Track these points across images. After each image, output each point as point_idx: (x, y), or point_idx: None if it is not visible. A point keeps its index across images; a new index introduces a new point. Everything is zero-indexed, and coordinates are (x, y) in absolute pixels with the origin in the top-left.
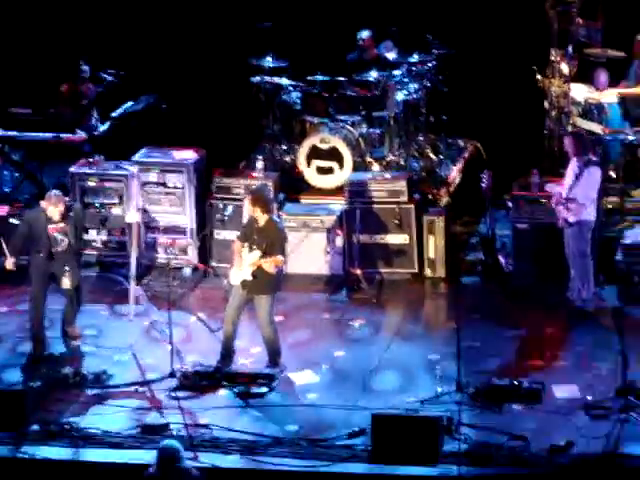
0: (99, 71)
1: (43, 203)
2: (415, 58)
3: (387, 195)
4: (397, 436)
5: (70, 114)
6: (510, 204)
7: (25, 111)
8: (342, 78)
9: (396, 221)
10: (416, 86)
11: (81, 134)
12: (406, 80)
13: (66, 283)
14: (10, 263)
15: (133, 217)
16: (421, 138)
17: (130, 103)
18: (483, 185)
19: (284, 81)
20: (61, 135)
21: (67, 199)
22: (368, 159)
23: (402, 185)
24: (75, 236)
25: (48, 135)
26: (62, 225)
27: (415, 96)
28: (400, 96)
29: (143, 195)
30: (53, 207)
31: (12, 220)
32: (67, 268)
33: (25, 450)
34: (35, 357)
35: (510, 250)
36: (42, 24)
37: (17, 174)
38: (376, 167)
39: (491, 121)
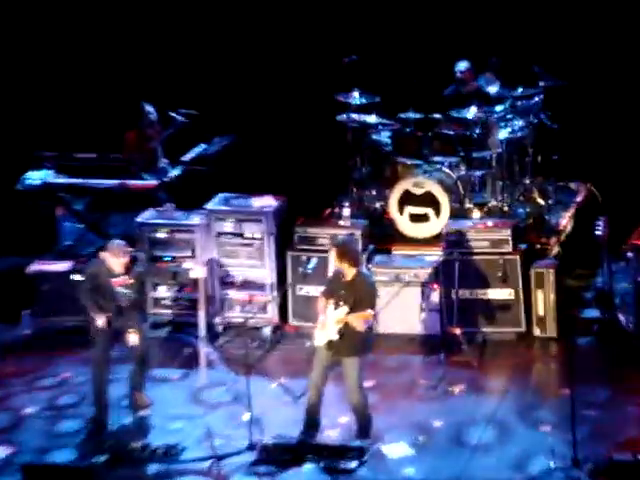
0: (169, 110)
1: (103, 254)
2: (520, 91)
3: (489, 245)
4: None
5: (138, 159)
6: (630, 254)
7: (89, 156)
8: (438, 115)
9: (500, 274)
10: (521, 123)
11: (150, 180)
12: (510, 116)
13: (133, 339)
14: (101, 318)
15: (198, 272)
16: (527, 181)
17: (203, 146)
18: (598, 233)
19: (373, 119)
20: (128, 182)
21: (131, 250)
22: (467, 205)
23: (506, 234)
24: (139, 291)
25: (113, 182)
26: (124, 278)
27: (520, 134)
28: (503, 134)
29: (218, 247)
30: (115, 259)
31: (74, 276)
32: (132, 324)
33: None
34: (98, 428)
35: (631, 307)
36: (106, 64)
37: (80, 225)
38: (477, 214)
39: (607, 161)
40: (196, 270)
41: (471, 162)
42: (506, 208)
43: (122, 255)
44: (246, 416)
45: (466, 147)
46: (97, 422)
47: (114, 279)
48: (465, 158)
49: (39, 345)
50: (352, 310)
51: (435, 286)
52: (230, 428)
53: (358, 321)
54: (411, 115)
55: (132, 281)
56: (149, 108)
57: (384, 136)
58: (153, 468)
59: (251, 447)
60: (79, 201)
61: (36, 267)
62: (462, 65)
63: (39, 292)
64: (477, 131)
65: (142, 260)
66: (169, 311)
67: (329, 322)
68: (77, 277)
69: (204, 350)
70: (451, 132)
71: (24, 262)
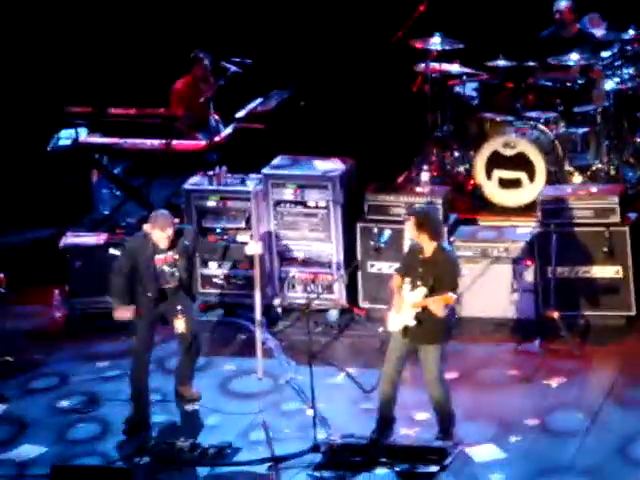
0: (220, 59)
1: (147, 227)
2: (630, 34)
3: (593, 215)
4: None
5: (185, 115)
6: None
7: (127, 112)
8: (533, 63)
9: (605, 249)
10: (631, 71)
11: (198, 140)
12: (618, 64)
13: (180, 326)
14: (122, 312)
15: (254, 248)
16: (638, 139)
17: (259, 100)
18: None
19: (457, 68)
20: (173, 142)
21: (177, 221)
22: (567, 168)
23: (613, 202)
24: (188, 269)
25: (157, 142)
26: (171, 255)
27: (630, 84)
28: (610, 85)
29: (276, 217)
30: (159, 231)
31: (112, 250)
32: (179, 308)
33: None
34: (138, 426)
35: None
36: (146, 7)
37: (118, 192)
38: (578, 178)
39: None
40: (251, 245)
41: (572, 118)
42: (613, 171)
43: (167, 227)
44: (309, 412)
45: (566, 100)
46: (137, 419)
47: (158, 256)
48: (565, 113)
49: (72, 330)
50: (431, 291)
51: (529, 263)
52: (291, 426)
53: (438, 305)
54: (501, 63)
55: (178, 258)
56: (202, 56)
57: (469, 88)
58: (203, 471)
59: (315, 448)
60: (117, 164)
61: (69, 240)
62: (562, 4)
63: (72, 269)
64: (579, 81)
65: (191, 233)
66: (221, 291)
67: (405, 305)
68: (115, 252)
69: (261, 336)
70: (548, 83)
71: (56, 234)
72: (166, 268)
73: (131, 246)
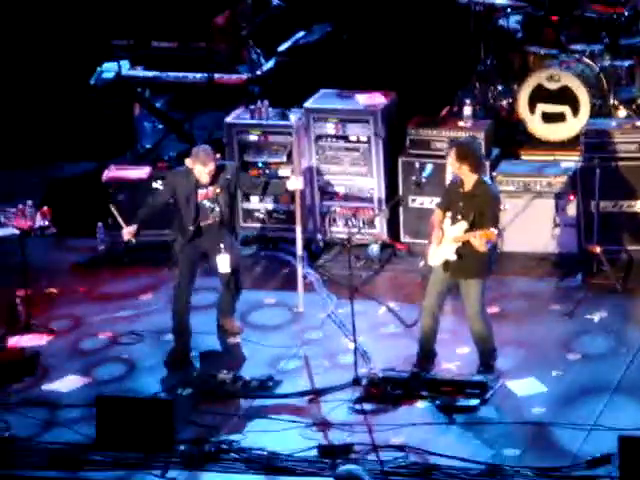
0: None
1: (188, 161)
2: None
3: (638, 149)
4: None
5: (227, 49)
6: None
7: (169, 46)
8: None
9: None
10: None
11: (240, 74)
12: None
13: (223, 264)
14: (128, 232)
15: (295, 184)
16: None
17: (301, 33)
18: None
19: (501, 1)
20: (215, 76)
21: (218, 156)
22: (612, 102)
23: None
24: (229, 204)
25: (199, 76)
26: (212, 190)
27: None
28: None
29: (318, 152)
30: (201, 166)
31: (155, 184)
32: (222, 245)
33: (173, 477)
34: (180, 357)
35: None
36: None
37: (160, 126)
38: (623, 112)
39: None
40: (292, 180)
41: (617, 50)
42: None
43: (209, 162)
44: (350, 346)
45: (612, 32)
46: (179, 353)
47: (200, 191)
48: (610, 46)
49: (115, 262)
50: (472, 226)
51: (572, 197)
52: (332, 359)
53: (479, 241)
54: None
55: (220, 193)
56: None
57: (513, 21)
58: (245, 403)
59: (356, 381)
60: (159, 98)
61: (112, 173)
62: None
63: (115, 202)
64: (626, 12)
65: (232, 168)
66: (262, 225)
67: (446, 239)
68: (158, 185)
69: (302, 270)
70: (594, 15)
71: (98, 167)
72: (207, 203)
73: (172, 180)
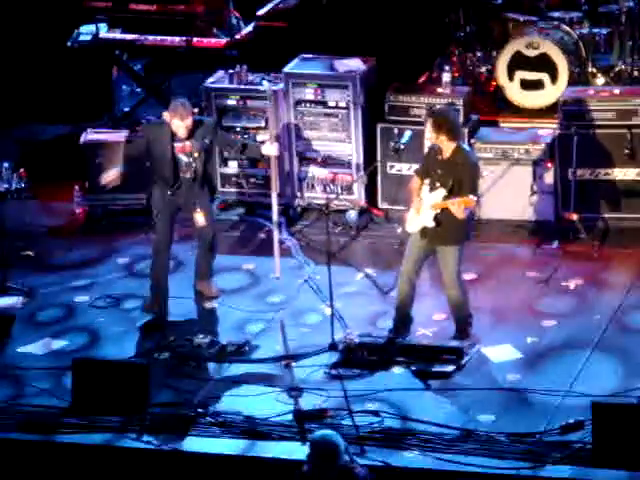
0: None
1: (166, 114)
2: None
3: (615, 117)
4: (623, 431)
5: (205, 12)
6: None
7: (147, 8)
8: None
9: (627, 150)
10: None
11: (219, 38)
12: None
13: (199, 220)
14: (106, 177)
15: (269, 149)
16: None
17: None
18: None
19: None
20: (194, 39)
21: (196, 111)
22: (590, 69)
23: (636, 103)
24: (205, 159)
25: (178, 39)
26: (188, 144)
27: None
28: None
29: (296, 117)
30: (179, 120)
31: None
32: (197, 201)
33: (148, 440)
34: (157, 320)
35: None
36: None
37: (138, 89)
38: (601, 80)
39: None
40: (267, 146)
41: (596, 18)
42: (636, 73)
43: (186, 117)
44: (327, 311)
45: (590, 0)
46: (156, 315)
47: (176, 144)
48: (589, 13)
49: (91, 226)
50: (451, 193)
51: (549, 165)
52: (308, 325)
53: (457, 208)
54: None
55: (195, 148)
56: None
57: None
58: (222, 367)
59: (332, 347)
60: (137, 61)
61: (89, 136)
62: None
63: (92, 165)
64: None
65: (210, 124)
66: (240, 190)
67: (424, 206)
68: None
69: (278, 236)
70: None
71: (75, 130)
72: (183, 157)
73: (147, 131)
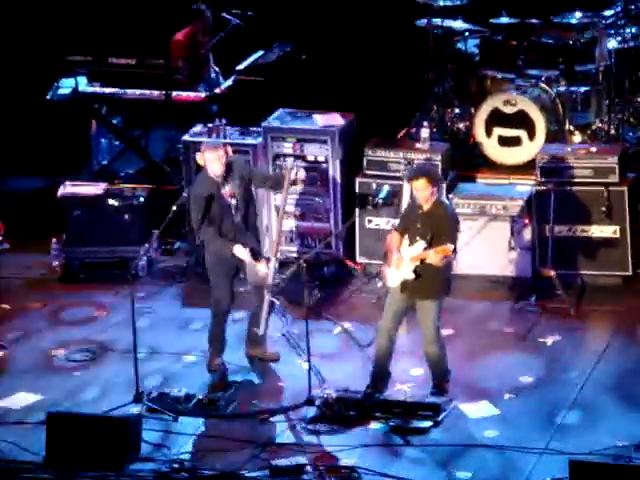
0: (219, 11)
1: (199, 156)
2: None
3: (592, 174)
4: None
5: (185, 67)
6: None
7: (127, 62)
8: (535, 20)
9: (603, 208)
10: (634, 30)
11: (198, 92)
12: (621, 23)
13: (261, 268)
14: (239, 249)
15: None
16: (639, 99)
17: (260, 53)
18: None
19: (459, 24)
20: (173, 93)
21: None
22: (568, 127)
23: (613, 161)
24: (246, 199)
25: (157, 93)
26: (229, 187)
27: (633, 44)
28: (612, 44)
29: (275, 171)
30: (212, 152)
31: (111, 201)
32: (254, 248)
33: None
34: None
35: None
36: None
37: (117, 142)
38: (578, 137)
39: None
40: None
41: (573, 76)
42: (613, 131)
43: (218, 147)
44: (304, 365)
45: (568, 59)
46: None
47: (223, 190)
48: (566, 72)
49: (69, 279)
50: (430, 245)
51: (527, 221)
52: (285, 379)
53: (436, 256)
54: (504, 20)
55: (237, 187)
56: (204, 7)
57: (471, 45)
58: (198, 421)
59: (310, 401)
60: (116, 115)
61: (67, 190)
62: None
63: (70, 218)
64: (581, 40)
65: (241, 161)
66: None
67: (404, 260)
68: (113, 202)
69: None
70: (551, 41)
71: (54, 183)
72: (232, 201)
73: (197, 191)
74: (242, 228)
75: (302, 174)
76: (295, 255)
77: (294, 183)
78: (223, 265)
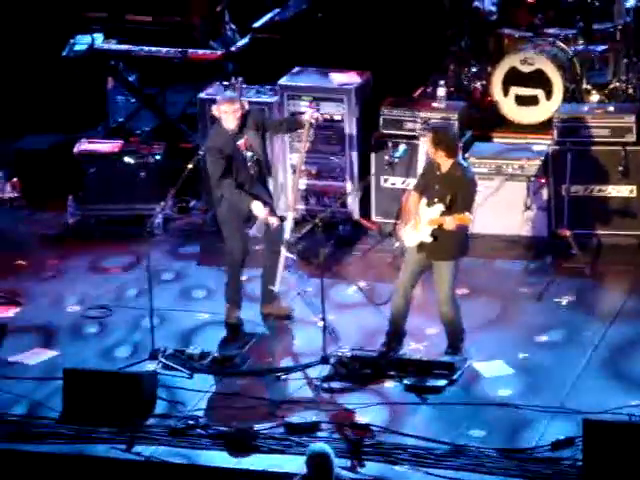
0: None
1: (214, 109)
2: None
3: (609, 134)
4: (615, 448)
5: (201, 24)
6: None
7: (144, 19)
8: None
9: (620, 168)
10: None
11: (215, 50)
12: None
13: (273, 220)
14: (259, 207)
15: (311, 114)
16: None
17: (276, 10)
18: None
19: None
20: (189, 51)
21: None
22: (585, 86)
23: (630, 121)
24: (264, 149)
25: (173, 50)
26: (245, 138)
27: None
28: (631, 2)
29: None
30: (229, 105)
31: (127, 159)
32: (267, 201)
33: (138, 451)
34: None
35: None
36: None
37: (133, 100)
38: (595, 97)
39: None
40: (308, 112)
41: (591, 35)
42: (631, 90)
43: (235, 101)
44: (320, 324)
45: (586, 17)
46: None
47: (239, 142)
48: (584, 30)
49: (85, 236)
50: (448, 208)
51: (543, 181)
52: (300, 338)
53: (453, 223)
54: None
55: (254, 139)
56: None
57: (488, 3)
58: (213, 378)
59: (324, 360)
60: (132, 72)
61: (83, 147)
62: None
63: (86, 175)
64: None
65: (256, 110)
66: None
67: (422, 222)
68: (129, 160)
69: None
70: None
71: (69, 140)
72: (248, 154)
73: (214, 145)
74: (256, 180)
75: (318, 115)
76: (310, 214)
77: (311, 125)
78: (236, 216)
